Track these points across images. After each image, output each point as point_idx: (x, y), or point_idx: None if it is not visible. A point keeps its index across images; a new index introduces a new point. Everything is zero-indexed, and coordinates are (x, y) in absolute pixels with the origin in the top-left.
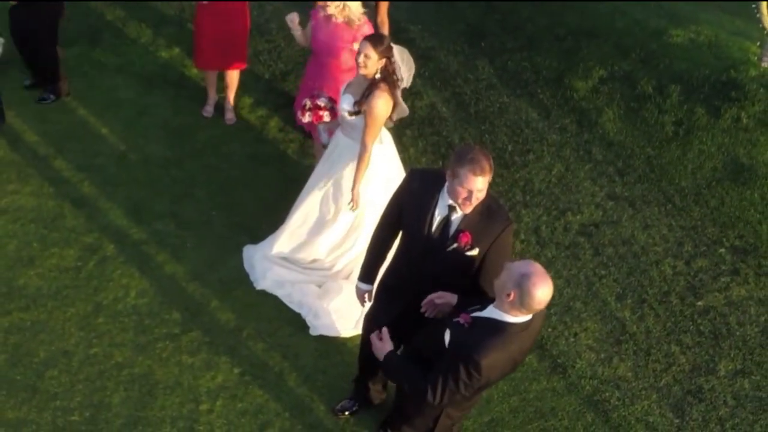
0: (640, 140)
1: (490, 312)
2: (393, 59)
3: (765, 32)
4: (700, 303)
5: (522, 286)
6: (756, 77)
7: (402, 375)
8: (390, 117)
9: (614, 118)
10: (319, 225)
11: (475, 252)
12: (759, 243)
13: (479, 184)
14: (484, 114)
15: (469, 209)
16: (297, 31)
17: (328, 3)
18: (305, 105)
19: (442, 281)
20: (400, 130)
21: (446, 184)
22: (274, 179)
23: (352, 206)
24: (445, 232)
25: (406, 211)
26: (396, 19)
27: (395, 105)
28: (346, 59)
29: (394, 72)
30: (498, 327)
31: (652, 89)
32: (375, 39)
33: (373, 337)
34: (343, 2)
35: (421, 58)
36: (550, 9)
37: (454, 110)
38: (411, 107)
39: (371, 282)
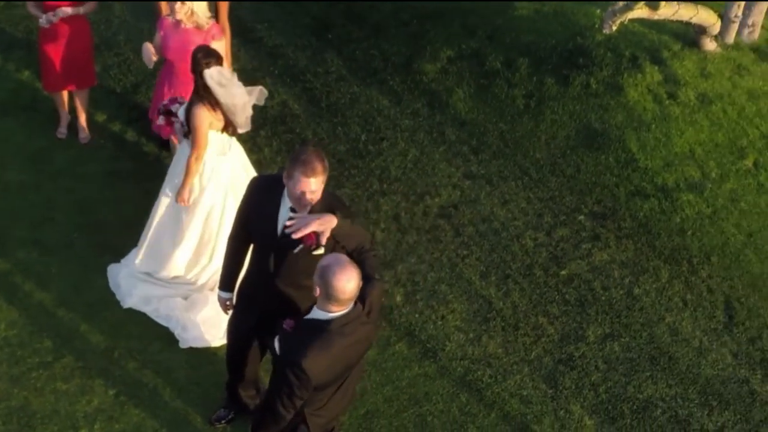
0: (492, 117)
1: (314, 313)
2: (204, 77)
3: None
4: (563, 272)
5: (324, 278)
6: (602, 42)
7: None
8: (226, 128)
9: (465, 97)
10: (173, 237)
11: (321, 251)
12: (617, 206)
13: (312, 186)
14: (336, 106)
15: (304, 210)
16: (155, 57)
17: (177, 9)
18: (160, 109)
19: (297, 284)
20: (253, 131)
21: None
22: (134, 194)
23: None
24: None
25: (252, 219)
26: (242, 19)
27: (226, 116)
28: None
29: (206, 88)
30: (318, 327)
31: (500, 64)
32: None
33: None
34: (189, 7)
35: (269, 57)
36: None
37: (305, 106)
38: (262, 107)
39: (231, 290)
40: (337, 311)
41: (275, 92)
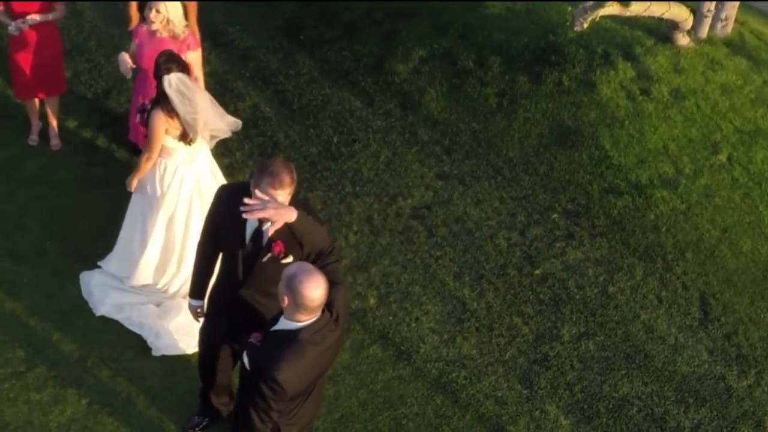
0: (464, 116)
1: (281, 323)
2: (162, 83)
3: None
4: (537, 271)
5: (291, 288)
6: (574, 39)
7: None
8: (184, 137)
9: (437, 97)
10: (140, 241)
11: (289, 260)
12: (591, 204)
13: (279, 198)
14: (308, 108)
15: (269, 220)
16: (132, 65)
17: (152, 18)
18: (139, 107)
19: (265, 292)
20: None
21: None
22: (105, 200)
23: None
24: (259, 243)
25: (220, 228)
26: (213, 22)
27: (183, 124)
28: None
29: (165, 94)
30: (288, 337)
31: (472, 63)
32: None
33: None
34: (165, 16)
35: (240, 59)
36: None
37: (277, 108)
38: (233, 110)
39: (201, 297)
40: (306, 320)
41: (247, 95)
